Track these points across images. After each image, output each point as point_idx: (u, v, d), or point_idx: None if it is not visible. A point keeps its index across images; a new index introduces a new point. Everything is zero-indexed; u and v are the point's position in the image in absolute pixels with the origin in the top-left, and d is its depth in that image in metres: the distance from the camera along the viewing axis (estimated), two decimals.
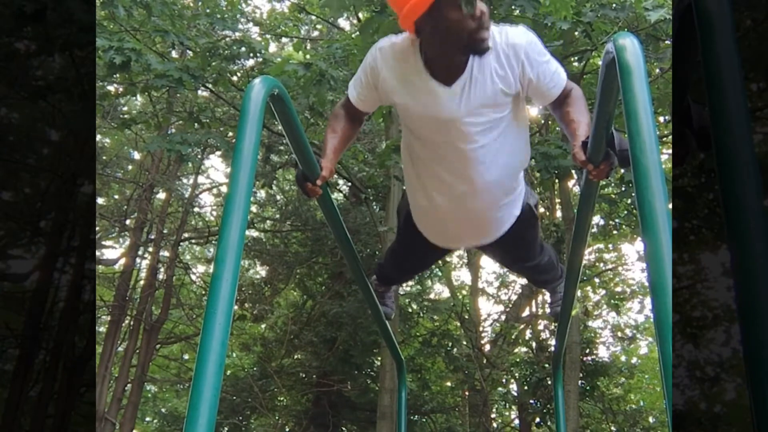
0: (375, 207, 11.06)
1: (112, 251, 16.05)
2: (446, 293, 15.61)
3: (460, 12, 1.95)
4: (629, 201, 9.38)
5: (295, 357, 14.98)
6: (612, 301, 16.03)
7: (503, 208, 2.38)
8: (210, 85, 8.34)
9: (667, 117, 8.59)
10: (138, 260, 14.27)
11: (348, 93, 2.38)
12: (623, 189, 8.00)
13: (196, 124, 8.32)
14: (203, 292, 14.21)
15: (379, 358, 12.03)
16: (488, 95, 2.12)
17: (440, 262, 11.20)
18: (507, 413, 15.75)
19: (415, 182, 2.39)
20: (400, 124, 2.62)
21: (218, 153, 12.62)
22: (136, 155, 15.12)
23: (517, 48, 2.10)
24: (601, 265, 16.06)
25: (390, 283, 3.13)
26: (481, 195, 2.29)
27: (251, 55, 7.89)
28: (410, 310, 14.27)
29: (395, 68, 2.18)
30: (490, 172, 2.25)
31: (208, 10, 8.63)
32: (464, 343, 13.50)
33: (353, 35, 7.74)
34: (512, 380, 12.79)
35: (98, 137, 12.78)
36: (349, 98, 2.37)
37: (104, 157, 13.67)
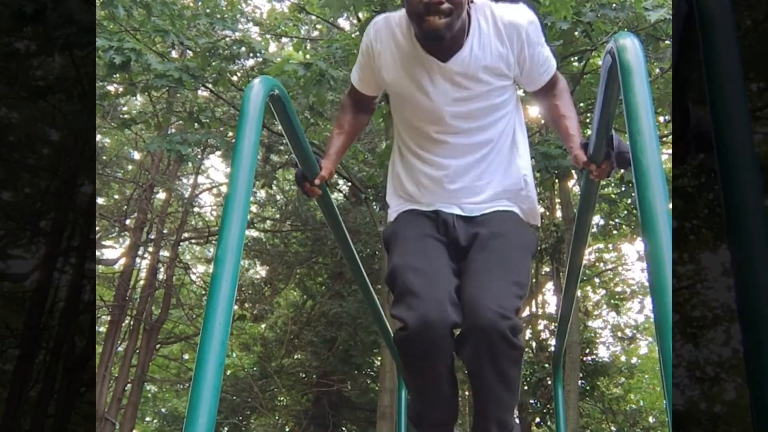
0: (375, 207, 11.05)
1: (112, 251, 16.07)
2: None
3: None
4: (629, 201, 9.38)
5: (295, 357, 14.98)
6: (612, 301, 16.04)
7: (502, 179, 2.23)
8: (210, 85, 8.34)
9: (667, 117, 8.59)
10: (138, 260, 14.28)
11: (351, 79, 2.37)
12: (623, 189, 8.01)
13: (196, 124, 8.33)
14: (203, 292, 14.21)
15: (379, 358, 12.03)
16: (487, 76, 2.10)
17: None
18: None
19: (404, 170, 2.29)
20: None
21: (218, 153, 12.62)
22: (136, 155, 15.13)
23: (518, 29, 2.09)
24: (601, 265, 16.07)
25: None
26: (475, 165, 2.20)
27: (251, 55, 7.90)
28: None
29: (389, 42, 2.16)
30: (485, 166, 2.20)
31: (208, 10, 8.63)
32: None
33: (353, 35, 7.74)
34: None
35: (98, 137, 12.79)
36: (353, 83, 2.36)
37: (104, 157, 13.68)
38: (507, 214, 2.20)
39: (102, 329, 14.21)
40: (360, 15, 8.17)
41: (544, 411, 12.27)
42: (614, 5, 6.55)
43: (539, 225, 2.39)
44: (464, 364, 2.08)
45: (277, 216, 15.20)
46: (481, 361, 1.98)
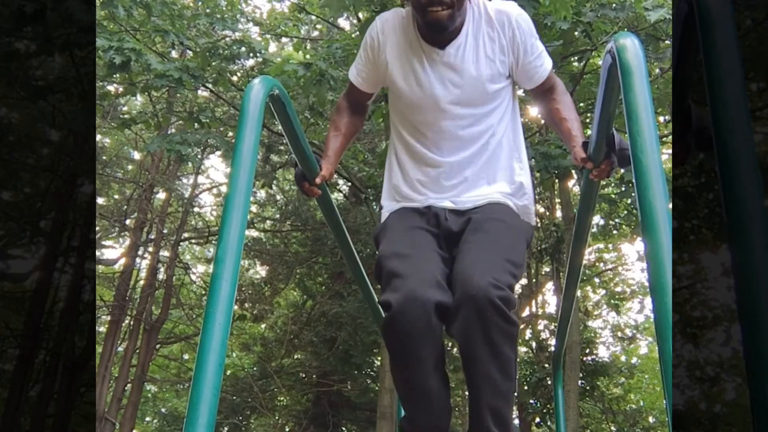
0: (375, 207, 11.06)
1: (112, 251, 16.07)
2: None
3: None
4: (629, 201, 9.39)
5: (295, 357, 14.99)
6: (612, 301, 16.05)
7: (497, 172, 2.23)
8: (210, 85, 8.34)
9: (667, 117, 8.60)
10: (138, 260, 14.29)
11: (349, 76, 2.39)
12: (623, 189, 8.01)
13: (196, 124, 8.33)
14: (203, 292, 14.21)
15: (379, 358, 12.03)
16: (481, 61, 2.16)
17: None
18: None
19: (399, 172, 2.30)
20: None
21: (218, 153, 12.62)
22: (136, 155, 15.13)
23: (509, 15, 2.18)
24: (601, 265, 16.07)
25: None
26: (470, 160, 2.20)
27: (251, 55, 7.90)
28: None
29: (393, 35, 2.23)
30: (480, 163, 2.20)
31: (208, 10, 8.64)
32: None
33: (353, 35, 7.74)
34: None
35: (98, 137, 12.79)
36: (351, 82, 2.38)
37: (104, 157, 13.68)
38: (500, 205, 2.19)
39: (102, 329, 14.22)
40: (360, 15, 8.17)
41: (544, 411, 12.27)
42: (614, 5, 6.56)
43: (534, 224, 2.34)
44: (456, 343, 2.00)
45: (277, 216, 15.20)
46: (472, 334, 1.87)
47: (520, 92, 2.44)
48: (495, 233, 2.06)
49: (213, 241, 14.27)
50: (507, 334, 1.89)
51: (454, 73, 2.16)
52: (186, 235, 14.94)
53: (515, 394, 2.06)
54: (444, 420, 2.01)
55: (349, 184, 11.21)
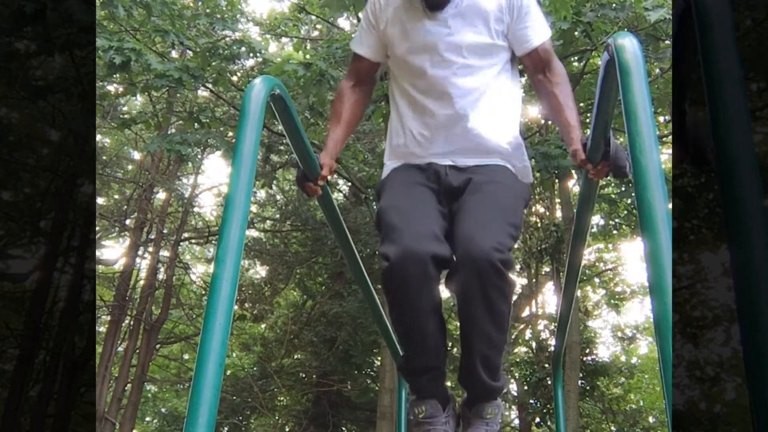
0: (375, 207, 11.05)
1: (112, 251, 16.07)
2: (446, 293, 15.60)
3: None
4: (629, 201, 9.39)
5: (295, 357, 14.99)
6: (612, 301, 16.05)
7: (494, 135, 2.26)
8: (210, 85, 8.34)
9: (666, 117, 8.60)
10: (138, 260, 14.28)
11: (351, 48, 2.43)
12: (623, 189, 8.01)
13: (196, 124, 8.33)
14: (203, 292, 14.21)
15: (379, 358, 12.03)
16: (477, 19, 2.20)
17: None
18: (507, 413, 15.76)
19: (399, 125, 2.34)
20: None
21: (218, 153, 12.61)
22: (136, 155, 15.13)
23: None
24: (601, 265, 16.07)
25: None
26: (468, 110, 2.23)
27: (251, 55, 7.90)
28: None
29: (395, 7, 2.28)
30: (475, 118, 2.22)
31: (208, 10, 8.63)
32: None
33: (353, 35, 7.74)
34: (512, 380, 12.79)
35: (98, 137, 12.79)
36: (354, 53, 2.41)
37: (104, 157, 13.68)
38: (500, 168, 2.23)
39: (102, 329, 14.21)
40: (360, 15, 8.17)
41: (544, 411, 12.26)
42: (614, 5, 6.56)
43: (532, 182, 2.39)
44: (454, 297, 2.10)
45: (277, 216, 15.20)
46: (470, 290, 1.98)
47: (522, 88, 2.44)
48: (495, 195, 2.12)
49: (213, 241, 14.27)
50: (503, 293, 2.01)
51: (451, 26, 2.20)
52: (186, 235, 14.94)
53: (506, 344, 2.16)
54: (439, 359, 2.14)
55: (349, 184, 11.21)
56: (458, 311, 2.07)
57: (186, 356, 16.84)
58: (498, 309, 2.01)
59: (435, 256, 1.97)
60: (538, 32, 2.27)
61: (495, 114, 2.24)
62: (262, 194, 14.29)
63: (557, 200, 12.75)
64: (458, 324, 2.13)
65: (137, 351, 13.51)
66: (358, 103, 2.42)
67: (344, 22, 11.05)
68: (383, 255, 1.99)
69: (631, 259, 16.31)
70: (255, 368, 15.24)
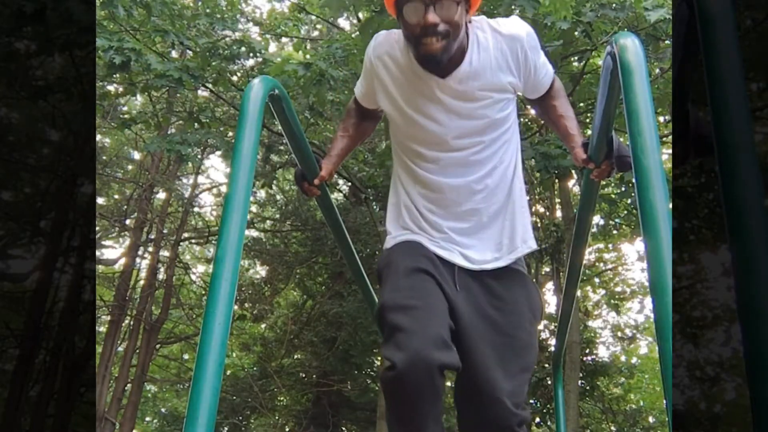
0: (375, 207, 11.05)
1: (112, 251, 16.10)
2: None
3: (410, 15, 1.94)
4: (629, 201, 9.38)
5: (295, 357, 14.99)
6: (612, 301, 16.04)
7: (505, 216, 2.16)
8: (210, 85, 8.34)
9: (667, 117, 8.59)
10: (138, 260, 14.28)
11: (355, 91, 2.33)
12: (623, 189, 8.01)
13: (196, 124, 8.33)
14: (203, 292, 14.21)
15: (379, 358, 12.03)
16: (485, 89, 2.06)
17: None
18: None
19: (405, 199, 2.19)
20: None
21: (218, 153, 12.62)
22: (136, 155, 15.13)
23: (520, 39, 2.06)
24: (601, 265, 16.06)
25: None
26: (475, 185, 2.12)
27: (251, 55, 7.90)
28: None
29: (388, 60, 2.11)
30: (486, 191, 2.12)
31: (208, 10, 8.63)
32: None
33: (353, 35, 7.74)
34: None
35: (98, 137, 12.79)
36: (356, 96, 2.33)
37: (104, 157, 13.68)
38: (513, 274, 2.12)
39: (102, 329, 14.21)
40: (360, 15, 8.18)
41: (544, 411, 12.27)
42: (614, 5, 6.55)
43: (536, 247, 2.26)
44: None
45: (277, 216, 15.20)
46: None
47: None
48: (516, 341, 2.06)
49: (213, 241, 14.27)
50: None
51: (456, 102, 2.05)
52: (186, 235, 14.94)
53: None
54: None
55: (349, 184, 11.21)
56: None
57: (186, 356, 16.84)
58: None
59: (444, 365, 1.86)
60: (548, 73, 2.17)
61: (504, 190, 2.13)
62: (262, 194, 14.30)
63: (557, 200, 12.74)
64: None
65: (137, 351, 13.51)
66: (364, 125, 2.38)
67: (344, 22, 11.05)
68: (387, 359, 1.87)
69: (631, 259, 16.28)
70: (255, 368, 15.24)
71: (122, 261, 14.17)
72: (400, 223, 2.19)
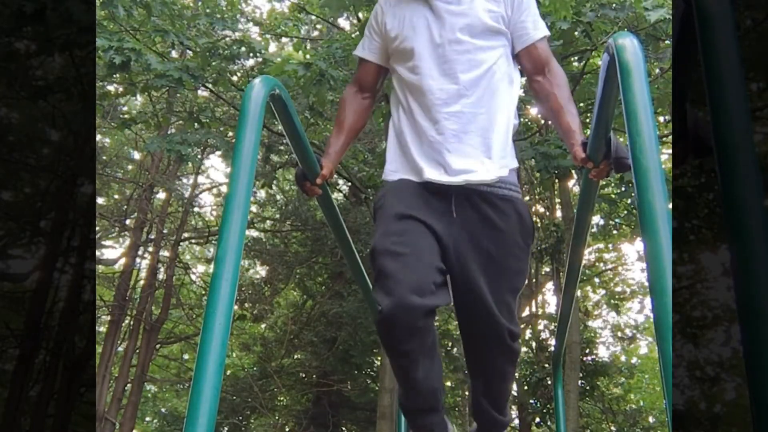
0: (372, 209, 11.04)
1: (112, 251, 16.08)
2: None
3: None
4: (629, 201, 9.38)
5: (295, 357, 14.99)
6: (612, 301, 16.05)
7: (496, 140, 2.20)
8: (210, 85, 8.34)
9: (667, 117, 8.60)
10: (138, 260, 14.28)
11: (356, 54, 2.42)
12: (623, 189, 8.01)
13: (196, 124, 8.32)
14: (203, 292, 14.21)
15: (379, 358, 12.04)
16: (479, 15, 2.20)
17: None
18: None
19: (405, 129, 2.28)
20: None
21: (218, 153, 12.62)
22: (136, 155, 15.13)
23: None
24: (601, 265, 16.07)
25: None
26: (471, 119, 2.18)
27: (251, 55, 7.89)
28: None
29: (395, 3, 2.30)
30: (477, 117, 2.18)
31: (208, 10, 8.63)
32: None
33: (353, 35, 7.74)
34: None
35: (98, 137, 12.79)
36: (358, 58, 2.41)
37: (104, 157, 13.68)
38: (507, 203, 2.18)
39: (102, 329, 14.21)
40: (360, 15, 8.17)
41: (544, 411, 12.27)
42: (614, 5, 6.56)
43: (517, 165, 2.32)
44: (462, 343, 2.29)
45: (277, 216, 15.20)
46: (481, 353, 2.25)
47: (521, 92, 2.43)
48: (507, 269, 2.18)
49: (213, 241, 14.27)
50: (512, 360, 2.26)
51: (446, 6, 2.21)
52: (186, 235, 14.94)
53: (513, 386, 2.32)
54: (435, 400, 2.21)
55: (349, 184, 11.20)
56: (464, 349, 2.30)
57: (186, 356, 16.84)
58: (505, 370, 2.28)
59: (428, 309, 1.99)
60: (536, 28, 2.26)
61: (495, 99, 2.21)
62: (262, 194, 14.29)
63: (557, 200, 12.75)
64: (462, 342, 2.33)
65: (137, 351, 13.51)
66: (360, 111, 2.41)
67: (344, 22, 11.05)
68: (377, 303, 2.01)
69: (631, 259, 16.28)
70: (255, 368, 15.24)
71: (122, 261, 14.17)
72: (395, 158, 2.29)
